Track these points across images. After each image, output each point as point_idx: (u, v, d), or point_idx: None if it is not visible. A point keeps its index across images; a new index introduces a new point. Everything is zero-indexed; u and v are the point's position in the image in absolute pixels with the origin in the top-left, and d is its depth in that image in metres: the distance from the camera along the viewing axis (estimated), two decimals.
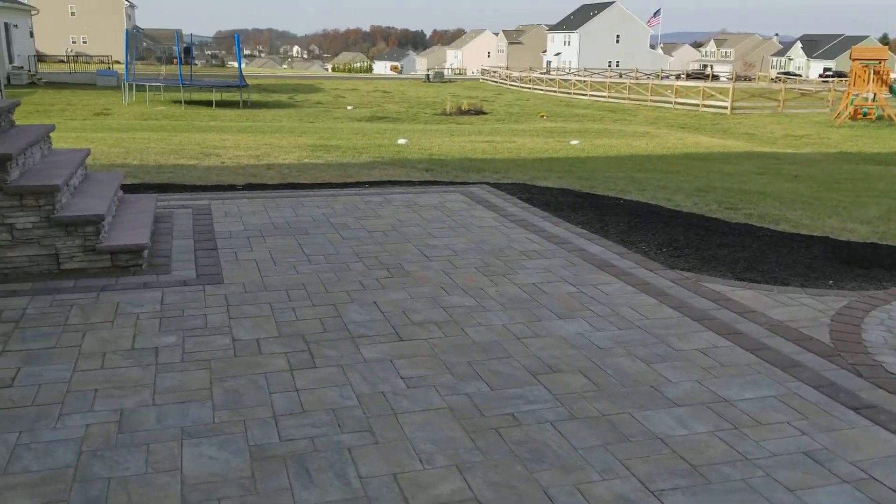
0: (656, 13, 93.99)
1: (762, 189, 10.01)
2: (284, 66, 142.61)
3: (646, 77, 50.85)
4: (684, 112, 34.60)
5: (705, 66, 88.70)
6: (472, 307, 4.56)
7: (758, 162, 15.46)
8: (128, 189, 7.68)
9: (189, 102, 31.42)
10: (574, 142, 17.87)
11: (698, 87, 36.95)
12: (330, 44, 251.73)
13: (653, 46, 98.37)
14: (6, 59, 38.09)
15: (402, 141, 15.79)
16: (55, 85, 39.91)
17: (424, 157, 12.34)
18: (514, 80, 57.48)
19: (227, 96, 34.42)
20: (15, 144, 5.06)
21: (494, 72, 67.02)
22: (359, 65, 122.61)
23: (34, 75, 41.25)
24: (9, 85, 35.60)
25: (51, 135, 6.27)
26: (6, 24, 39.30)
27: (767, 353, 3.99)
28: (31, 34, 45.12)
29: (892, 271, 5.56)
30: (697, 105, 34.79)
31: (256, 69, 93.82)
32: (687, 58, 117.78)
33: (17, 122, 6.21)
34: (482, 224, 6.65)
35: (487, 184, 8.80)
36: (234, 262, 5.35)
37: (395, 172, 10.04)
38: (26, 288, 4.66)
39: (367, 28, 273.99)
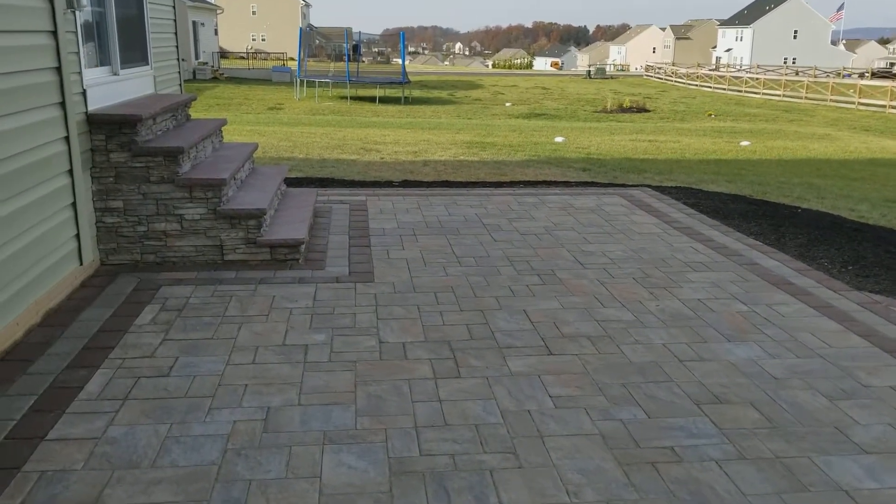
0: (840, 8, 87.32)
1: None
2: (446, 63, 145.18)
3: (825, 75, 47.25)
4: (868, 114, 31.79)
5: (892, 65, 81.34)
6: (629, 322, 4.26)
7: None
8: (292, 182, 7.93)
9: (354, 98, 32.54)
10: (745, 143, 16.80)
11: (885, 86, 33.81)
12: (491, 40, 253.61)
13: (834, 43, 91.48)
14: (193, 56, 41.15)
15: (559, 139, 15.47)
16: (235, 80, 42.67)
17: (582, 157, 11.99)
18: (680, 77, 55.25)
19: (390, 92, 35.38)
20: (188, 138, 5.28)
21: (659, 68, 64.75)
22: (519, 61, 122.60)
23: (217, 70, 44.32)
24: (194, 79, 38.43)
25: (227, 127, 6.55)
26: (194, 23, 42.48)
27: None
28: (216, 32, 48.55)
29: None
30: (884, 106, 31.85)
31: (419, 66, 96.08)
32: (872, 55, 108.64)
33: (200, 115, 6.53)
34: (642, 230, 6.28)
35: (649, 186, 8.36)
36: (385, 260, 5.33)
37: (551, 172, 9.79)
38: (191, 277, 4.85)
39: (528, 24, 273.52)
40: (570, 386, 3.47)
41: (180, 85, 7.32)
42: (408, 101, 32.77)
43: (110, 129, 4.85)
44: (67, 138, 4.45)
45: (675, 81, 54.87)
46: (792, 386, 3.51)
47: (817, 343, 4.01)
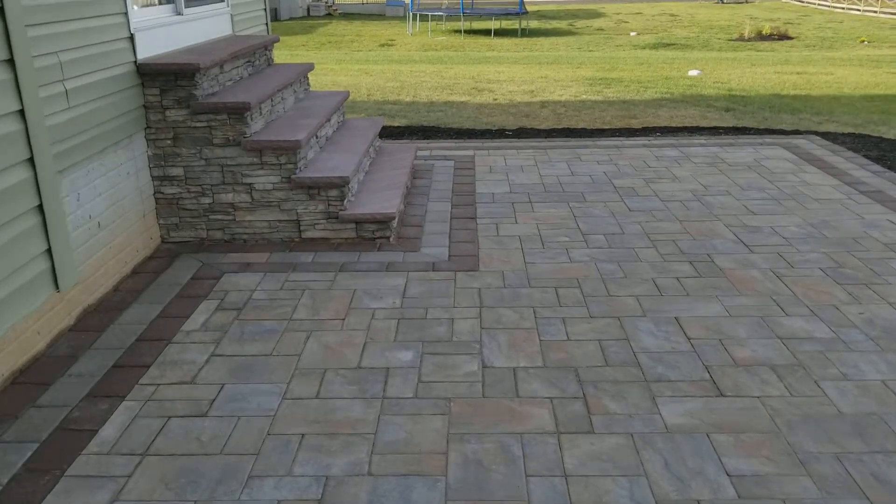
0: None
1: None
2: None
3: None
4: None
5: None
6: (827, 341, 3.11)
7: None
8: (393, 133, 7.02)
9: (468, 32, 31.16)
10: None
11: None
12: None
13: None
14: None
15: (693, 72, 13.79)
16: (349, 16, 41.93)
17: (723, 93, 10.44)
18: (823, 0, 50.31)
19: (505, 24, 33.79)
20: (261, 90, 4.41)
21: None
22: None
23: (331, 6, 43.68)
24: (307, 16, 37.95)
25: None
26: None
27: None
28: None
29: None
30: None
31: None
32: None
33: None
34: (820, 195, 4.98)
35: (816, 134, 6.90)
36: (493, 238, 4.33)
37: (689, 113, 8.42)
38: (262, 260, 4.03)
39: None
40: (755, 455, 2.41)
41: (267, 24, 6.45)
42: (525, 33, 31.13)
43: (165, 80, 4.03)
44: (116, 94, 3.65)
45: (818, 4, 49.90)
46: None
47: None
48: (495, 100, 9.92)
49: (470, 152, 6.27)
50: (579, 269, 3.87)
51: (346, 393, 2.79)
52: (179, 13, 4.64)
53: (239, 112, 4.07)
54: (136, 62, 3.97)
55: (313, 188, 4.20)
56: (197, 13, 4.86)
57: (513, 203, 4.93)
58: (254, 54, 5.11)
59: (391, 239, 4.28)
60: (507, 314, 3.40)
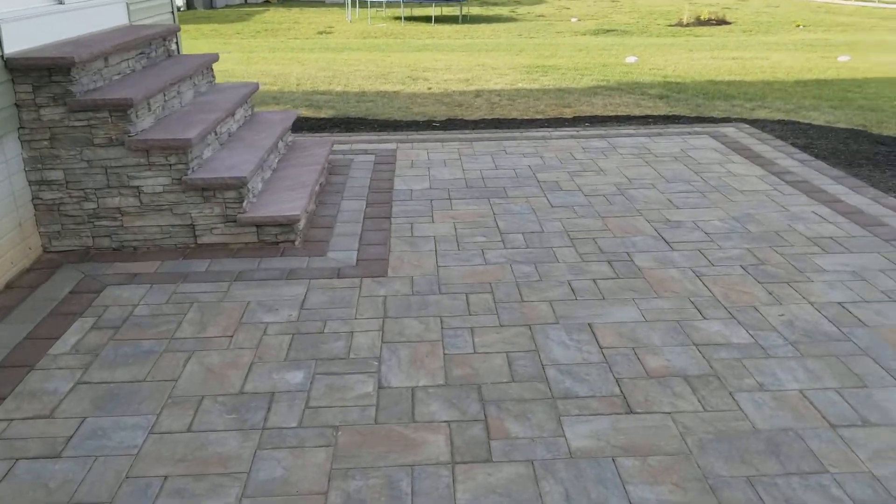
0: None
1: None
2: None
3: None
4: None
5: None
6: (744, 347, 2.94)
7: None
8: (315, 126, 6.71)
9: (409, 19, 30.75)
10: (843, 58, 14.68)
11: None
12: None
13: None
14: None
15: (630, 59, 13.72)
16: (287, 2, 41.06)
17: (658, 80, 10.35)
18: None
19: (447, 11, 33.44)
20: (150, 85, 4.07)
21: None
22: None
23: None
24: (245, 4, 37.02)
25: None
26: None
27: None
28: None
29: None
30: None
31: None
32: None
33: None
34: (745, 187, 4.84)
35: (744, 121, 6.80)
36: (407, 239, 4.08)
37: (623, 101, 8.28)
38: (150, 270, 3.71)
39: None
40: (662, 481, 2.21)
41: (172, 13, 6.06)
42: (466, 19, 30.86)
43: (38, 76, 3.67)
44: None
45: None
46: None
47: None
48: (430, 89, 9.66)
49: (392, 146, 6.00)
50: (494, 273, 3.65)
51: (223, 424, 2.51)
52: (61, 2, 4.26)
53: (121, 109, 3.73)
54: (2, 56, 3.59)
55: (208, 190, 3.88)
56: (82, 2, 4.48)
57: (431, 200, 4.69)
58: (149, 45, 4.75)
59: (296, 243, 4.00)
60: (412, 325, 3.15)
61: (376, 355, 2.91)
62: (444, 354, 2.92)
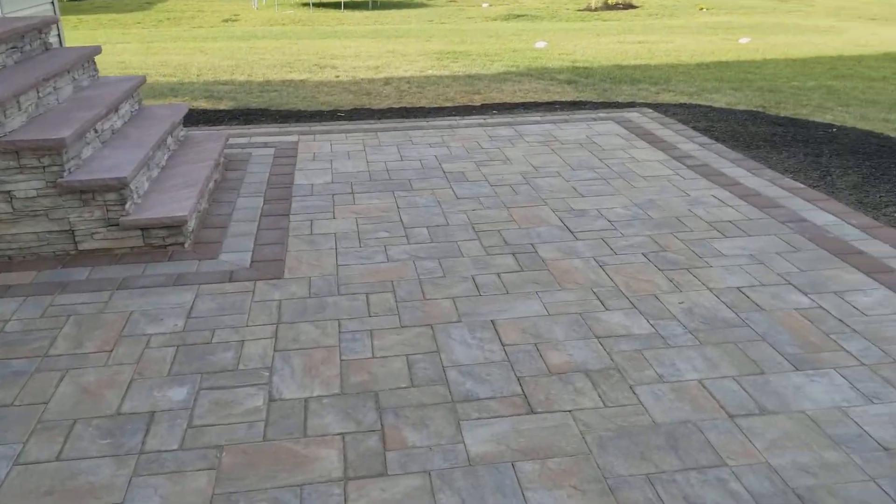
0: None
1: None
2: None
3: None
4: (874, 0, 29.76)
5: None
6: (645, 338, 2.91)
7: None
8: (213, 119, 6.42)
9: (318, 5, 30.20)
10: (744, 40, 15.13)
11: None
12: None
13: None
14: None
15: (540, 44, 13.78)
16: None
17: (566, 65, 10.41)
18: None
19: None
20: (19, 81, 3.77)
21: None
22: None
23: None
24: None
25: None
26: None
27: None
28: None
29: None
30: None
31: None
32: None
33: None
34: (647, 173, 4.86)
35: (648, 105, 6.87)
36: (306, 238, 3.91)
37: (532, 86, 8.28)
38: (26, 280, 3.44)
39: None
40: (562, 485, 2.15)
41: (53, 3, 5.67)
42: (376, 5, 30.52)
43: None
44: None
45: None
46: None
47: None
48: (337, 77, 9.43)
49: (294, 138, 5.79)
50: (396, 270, 3.53)
51: (96, 450, 2.32)
52: None
53: None
54: None
55: (86, 192, 3.62)
56: None
57: (333, 195, 4.53)
58: (22, 38, 4.41)
59: (186, 245, 3.78)
60: (308, 330, 3.00)
61: (268, 365, 2.76)
62: (341, 360, 2.78)
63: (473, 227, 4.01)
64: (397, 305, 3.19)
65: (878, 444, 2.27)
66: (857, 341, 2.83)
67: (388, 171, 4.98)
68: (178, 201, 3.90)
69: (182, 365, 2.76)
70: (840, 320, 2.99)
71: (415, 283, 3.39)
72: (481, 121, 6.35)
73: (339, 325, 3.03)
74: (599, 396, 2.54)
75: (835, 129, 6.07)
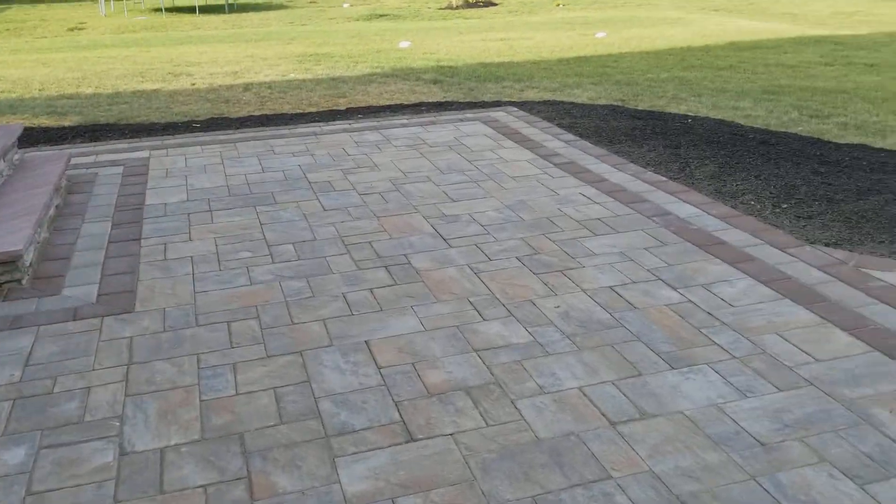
0: None
1: (840, 86, 8.06)
2: None
3: None
4: None
5: None
6: (524, 347, 2.84)
7: (818, 49, 13.27)
8: (54, 137, 5.93)
9: (171, 10, 28.92)
10: (600, 34, 15.64)
11: None
12: None
13: None
14: None
15: (404, 44, 13.70)
16: None
17: (431, 65, 10.37)
18: None
19: (211, 0, 31.80)
20: None
21: None
22: None
23: None
24: None
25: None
26: None
27: None
28: None
29: None
30: None
31: None
32: None
33: None
34: (516, 173, 4.84)
35: (514, 104, 6.90)
36: (159, 264, 3.62)
37: (398, 87, 8.17)
38: None
39: None
40: None
41: None
42: (233, 8, 29.55)
43: None
44: None
45: None
46: (792, 460, 2.21)
47: (797, 354, 2.74)
48: (193, 85, 8.98)
49: (145, 153, 5.40)
50: (260, 293, 3.31)
51: None
52: None
53: None
54: None
55: None
56: None
57: (189, 214, 4.23)
58: None
59: (23, 282, 3.40)
60: (163, 369, 2.74)
61: (118, 413, 2.49)
62: (201, 401, 2.55)
63: (343, 241, 3.84)
64: (262, 333, 2.98)
65: (755, 439, 2.28)
66: (726, 334, 2.87)
67: (248, 184, 4.72)
68: (12, 233, 3.51)
69: (19, 421, 2.45)
70: (709, 313, 3.03)
71: (281, 307, 3.18)
72: (347, 126, 6.16)
73: (198, 361, 2.79)
74: (481, 415, 2.44)
75: (690, 120, 6.29)
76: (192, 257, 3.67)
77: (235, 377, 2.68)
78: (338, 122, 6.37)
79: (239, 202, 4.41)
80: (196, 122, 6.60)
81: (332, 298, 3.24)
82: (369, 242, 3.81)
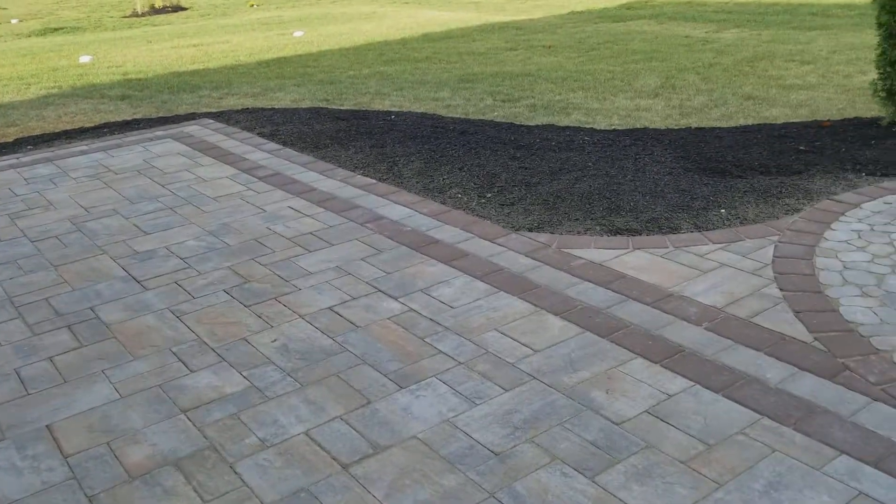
0: None
1: (525, 69, 8.66)
2: None
3: None
4: None
5: None
6: (240, 396, 2.54)
7: (502, 35, 14.22)
8: None
9: None
10: (298, 33, 15.42)
11: None
12: None
13: None
14: None
15: (85, 59, 12.40)
16: None
17: (118, 79, 9.45)
18: None
19: None
20: None
21: None
22: None
23: None
24: None
25: None
26: None
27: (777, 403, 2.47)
28: None
29: (773, 174, 4.33)
30: None
31: None
32: None
33: None
34: (218, 192, 4.46)
35: (210, 116, 6.44)
36: None
37: (81, 108, 7.29)
38: None
39: None
40: None
41: None
42: None
43: None
44: None
45: None
46: (526, 465, 2.17)
47: (517, 348, 2.74)
48: None
49: None
50: None
51: None
52: None
53: None
54: None
55: None
56: None
57: None
58: None
59: None
60: None
61: None
62: None
63: (12, 302, 3.23)
64: None
65: (490, 450, 2.22)
66: (449, 339, 2.81)
67: None
68: None
69: None
70: (431, 319, 2.95)
71: None
72: (14, 161, 5.32)
73: None
74: (195, 491, 2.11)
75: (394, 116, 6.30)
76: None
77: None
78: (3, 157, 5.49)
79: None
80: None
81: (2, 378, 2.69)
82: (46, 299, 3.25)
